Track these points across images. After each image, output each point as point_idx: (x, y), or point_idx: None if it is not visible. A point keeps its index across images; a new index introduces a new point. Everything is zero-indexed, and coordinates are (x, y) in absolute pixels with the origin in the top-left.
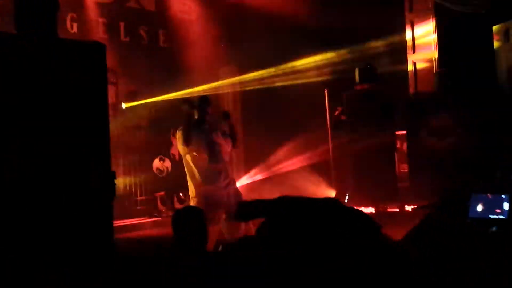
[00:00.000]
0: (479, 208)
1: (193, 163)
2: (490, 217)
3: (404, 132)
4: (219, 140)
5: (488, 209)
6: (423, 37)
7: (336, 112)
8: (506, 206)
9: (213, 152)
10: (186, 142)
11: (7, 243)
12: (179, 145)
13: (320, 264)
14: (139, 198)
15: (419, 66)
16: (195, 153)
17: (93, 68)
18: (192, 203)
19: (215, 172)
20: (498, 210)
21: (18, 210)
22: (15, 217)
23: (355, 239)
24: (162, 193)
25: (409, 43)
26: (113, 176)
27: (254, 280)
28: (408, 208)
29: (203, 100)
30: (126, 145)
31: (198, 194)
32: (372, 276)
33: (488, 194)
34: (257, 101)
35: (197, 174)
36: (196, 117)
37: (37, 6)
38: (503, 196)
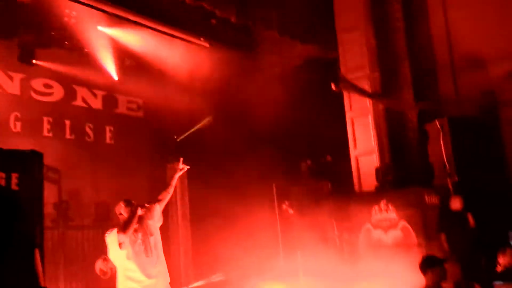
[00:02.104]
0: None
1: None
2: None
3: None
4: None
5: None
6: (364, 133)
7: (284, 206)
8: None
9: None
10: None
11: None
12: None
13: None
14: None
15: (362, 161)
16: None
17: (30, 176)
18: None
19: None
20: None
21: None
22: None
23: None
24: None
25: (350, 139)
26: None
27: None
28: None
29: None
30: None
31: None
32: None
33: None
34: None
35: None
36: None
37: None
38: None
